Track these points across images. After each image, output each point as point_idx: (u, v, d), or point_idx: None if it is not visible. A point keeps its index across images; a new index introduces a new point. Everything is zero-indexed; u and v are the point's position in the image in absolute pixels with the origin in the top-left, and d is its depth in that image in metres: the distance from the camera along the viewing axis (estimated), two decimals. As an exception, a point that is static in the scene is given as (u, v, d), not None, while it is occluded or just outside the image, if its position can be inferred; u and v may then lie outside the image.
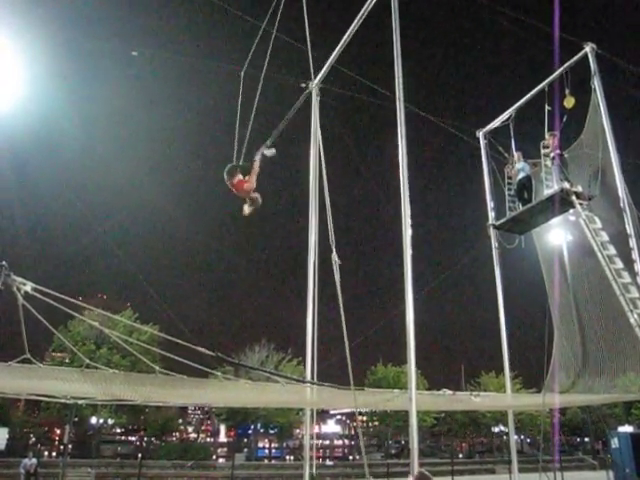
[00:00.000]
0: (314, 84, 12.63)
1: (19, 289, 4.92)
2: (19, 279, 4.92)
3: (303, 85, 12.66)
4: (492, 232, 14.27)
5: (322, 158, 11.37)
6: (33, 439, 52.49)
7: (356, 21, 11.13)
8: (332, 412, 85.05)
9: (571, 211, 12.38)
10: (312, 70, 11.91)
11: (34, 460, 20.12)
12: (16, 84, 10.33)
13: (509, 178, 14.11)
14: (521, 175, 13.54)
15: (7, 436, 31.92)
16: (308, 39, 11.07)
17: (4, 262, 4.80)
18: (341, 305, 9.03)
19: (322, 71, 12.46)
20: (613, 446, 25.26)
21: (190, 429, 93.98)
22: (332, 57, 12.05)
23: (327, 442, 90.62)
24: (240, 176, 9.24)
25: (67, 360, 38.87)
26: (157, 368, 6.50)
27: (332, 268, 9.64)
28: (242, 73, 11.30)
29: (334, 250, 9.52)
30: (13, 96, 10.42)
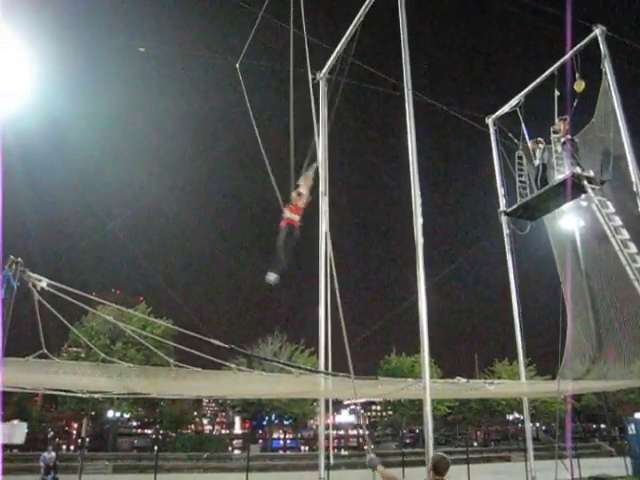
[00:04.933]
0: (322, 75, 12.58)
1: (35, 285, 4.96)
2: (34, 275, 4.96)
3: (311, 76, 12.59)
4: (503, 219, 14.19)
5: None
6: (51, 433, 53.19)
7: (362, 9, 11.05)
8: (346, 402, 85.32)
9: (583, 196, 12.27)
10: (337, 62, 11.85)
11: (53, 454, 20.32)
12: (25, 82, 10.37)
13: (520, 164, 13.99)
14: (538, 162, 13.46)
15: (26, 430, 32.40)
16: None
17: (19, 259, 4.84)
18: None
19: (329, 62, 12.40)
20: (630, 432, 25.14)
21: (205, 421, 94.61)
22: (339, 47, 11.99)
23: (342, 432, 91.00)
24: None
25: (83, 355, 39.22)
26: (172, 361, 6.54)
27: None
28: (237, 65, 11.36)
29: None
30: (22, 94, 10.47)
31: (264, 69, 12.29)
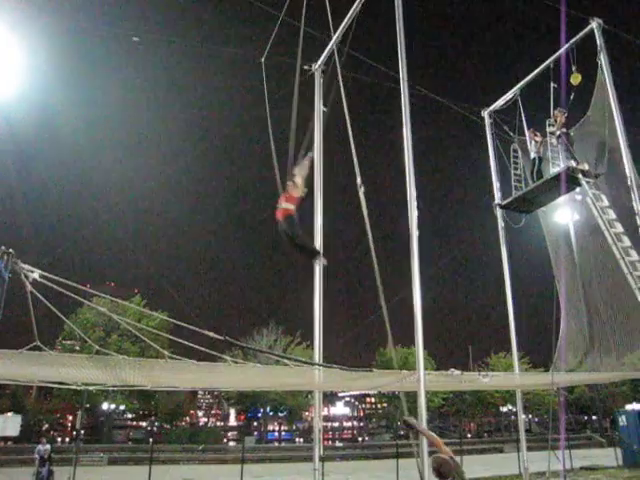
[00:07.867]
0: (317, 66, 12.50)
1: (27, 276, 4.93)
2: (27, 266, 4.92)
3: (306, 68, 12.52)
4: (498, 212, 14.20)
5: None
6: (46, 425, 53.15)
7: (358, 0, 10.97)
8: (341, 394, 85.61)
9: (577, 189, 12.29)
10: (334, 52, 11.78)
11: (48, 446, 20.29)
12: (17, 73, 10.29)
13: (515, 157, 14.00)
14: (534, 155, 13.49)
15: (21, 423, 32.34)
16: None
17: (11, 250, 4.80)
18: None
19: (324, 53, 12.32)
20: (621, 424, 25.39)
21: (200, 413, 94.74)
22: (334, 38, 11.90)
23: (336, 424, 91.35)
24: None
25: (77, 347, 39.17)
26: (167, 353, 6.52)
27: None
28: (262, 60, 11.46)
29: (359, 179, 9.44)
30: (14, 84, 10.39)
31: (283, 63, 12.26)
